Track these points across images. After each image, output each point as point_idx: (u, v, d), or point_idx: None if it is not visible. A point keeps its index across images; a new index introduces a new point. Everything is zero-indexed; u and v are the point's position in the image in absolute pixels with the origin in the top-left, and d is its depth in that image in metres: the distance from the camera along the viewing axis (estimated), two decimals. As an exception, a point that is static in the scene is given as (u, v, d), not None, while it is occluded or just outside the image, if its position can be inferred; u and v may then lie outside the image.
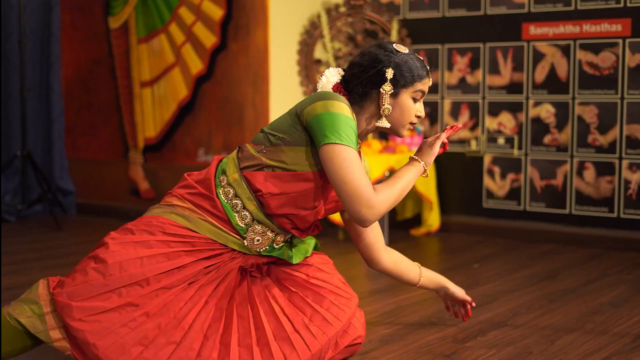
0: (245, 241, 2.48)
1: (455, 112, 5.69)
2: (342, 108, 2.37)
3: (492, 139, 5.56)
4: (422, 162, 2.52)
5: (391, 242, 5.30)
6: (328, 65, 5.71)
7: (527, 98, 5.43)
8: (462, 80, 5.66)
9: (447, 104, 5.73)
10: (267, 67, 5.47)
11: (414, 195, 5.66)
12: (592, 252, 4.97)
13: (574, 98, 5.26)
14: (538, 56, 5.36)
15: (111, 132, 6.43)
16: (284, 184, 2.40)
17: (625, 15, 5.06)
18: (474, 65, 5.60)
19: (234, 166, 2.46)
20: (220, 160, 2.55)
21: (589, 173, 5.23)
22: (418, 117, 2.57)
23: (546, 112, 5.37)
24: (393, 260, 2.85)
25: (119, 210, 6.24)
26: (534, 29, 5.37)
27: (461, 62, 5.65)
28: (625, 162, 5.10)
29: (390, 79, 2.49)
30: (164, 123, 6.07)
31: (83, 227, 5.99)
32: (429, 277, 2.99)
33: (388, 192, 2.39)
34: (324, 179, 2.44)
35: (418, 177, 2.51)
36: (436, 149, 2.57)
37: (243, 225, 2.47)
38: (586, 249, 5.07)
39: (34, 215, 6.38)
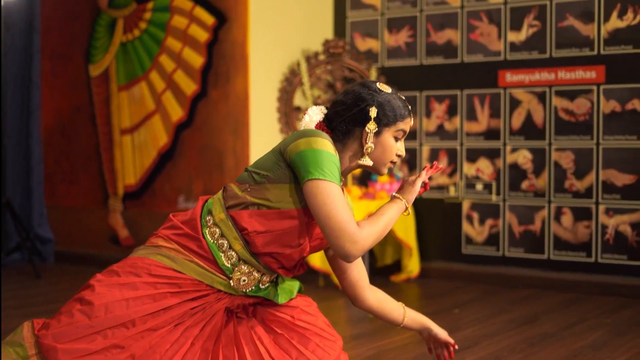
0: (231, 281, 2.48)
1: (433, 159, 5.74)
2: (325, 145, 2.40)
3: (470, 185, 5.62)
4: (404, 200, 2.55)
5: (371, 288, 5.31)
6: (308, 113, 5.75)
7: (505, 144, 5.49)
8: (440, 127, 5.72)
9: (425, 151, 5.78)
10: (247, 114, 5.52)
11: (393, 242, 5.69)
12: (570, 297, 5.01)
13: (550, 144, 5.33)
14: (514, 103, 5.45)
15: (91, 179, 6.43)
16: (269, 221, 2.41)
17: (600, 63, 5.15)
18: (451, 112, 5.68)
19: (219, 206, 2.48)
20: (206, 201, 2.57)
21: (567, 218, 5.28)
22: (399, 156, 2.60)
23: (523, 158, 5.43)
24: (377, 298, 2.86)
25: (98, 258, 6.21)
26: (510, 76, 5.46)
27: (439, 109, 5.72)
28: (602, 207, 5.16)
29: (374, 118, 2.50)
30: (144, 170, 6.08)
31: (62, 275, 5.95)
32: (413, 317, 3.00)
33: (371, 228, 2.41)
34: (308, 215, 2.46)
35: (400, 214, 2.53)
36: (417, 188, 2.59)
37: (229, 266, 2.46)
38: (565, 294, 5.10)
39: (12, 263, 6.34)
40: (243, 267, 2.48)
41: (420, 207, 5.77)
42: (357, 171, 5.73)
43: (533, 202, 5.39)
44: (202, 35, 5.71)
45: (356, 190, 5.54)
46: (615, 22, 5.11)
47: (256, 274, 2.51)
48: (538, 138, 5.37)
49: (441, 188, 5.73)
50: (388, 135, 2.52)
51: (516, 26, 5.43)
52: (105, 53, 6.27)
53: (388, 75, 5.89)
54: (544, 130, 5.35)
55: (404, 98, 2.60)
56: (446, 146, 5.71)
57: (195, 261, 2.45)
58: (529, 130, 5.40)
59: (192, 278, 2.44)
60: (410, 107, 2.58)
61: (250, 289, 2.51)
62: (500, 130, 5.50)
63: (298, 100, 5.83)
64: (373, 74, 5.84)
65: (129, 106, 6.14)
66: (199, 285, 2.44)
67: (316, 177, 2.35)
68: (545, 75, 5.33)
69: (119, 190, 6.26)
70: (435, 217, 5.76)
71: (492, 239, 5.55)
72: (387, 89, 2.56)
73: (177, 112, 5.87)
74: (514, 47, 5.44)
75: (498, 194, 5.52)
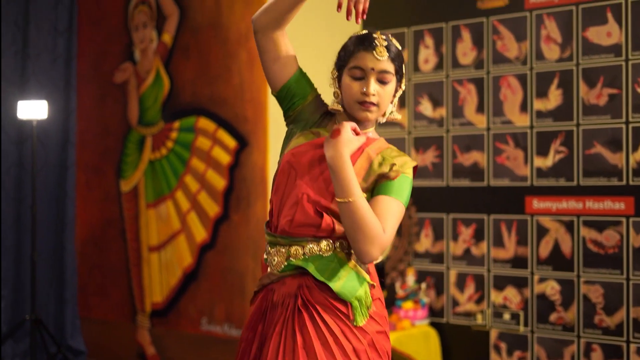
0: (268, 268, 2.47)
1: (460, 284, 5.54)
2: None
3: (497, 313, 5.39)
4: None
5: None
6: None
7: (532, 273, 5.26)
8: (467, 252, 5.53)
9: (452, 275, 5.59)
10: (267, 240, 5.43)
11: (419, 369, 5.49)
12: None
13: (579, 276, 5.08)
14: (542, 231, 5.22)
15: (121, 294, 6.43)
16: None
17: (629, 194, 4.90)
18: (478, 236, 5.48)
19: None
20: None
21: (597, 355, 5.00)
22: (365, 94, 2.41)
23: (551, 289, 5.19)
24: None
25: (126, 374, 6.19)
26: (537, 203, 5.24)
27: (466, 232, 5.53)
28: (633, 346, 4.87)
29: (335, 63, 2.50)
30: (170, 289, 6.04)
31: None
32: None
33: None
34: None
35: None
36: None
37: (266, 256, 2.49)
38: None
39: (43, 377, 6.35)
40: (271, 249, 2.45)
41: (447, 333, 5.56)
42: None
43: (562, 335, 5.13)
44: (225, 158, 5.67)
45: (377, 320, 5.36)
46: (644, 152, 4.87)
47: (282, 249, 2.42)
48: (566, 269, 5.12)
49: (468, 315, 5.51)
50: (345, 76, 2.45)
51: (543, 151, 5.22)
52: (135, 169, 6.30)
53: (414, 195, 5.74)
54: (572, 262, 5.10)
55: (374, 35, 2.44)
56: (473, 272, 5.50)
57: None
58: (557, 260, 5.16)
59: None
60: (371, 43, 2.40)
61: (282, 265, 2.42)
62: (527, 258, 5.27)
63: (322, 221, 5.71)
64: (399, 194, 5.70)
65: (156, 223, 6.14)
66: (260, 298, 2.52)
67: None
68: (572, 204, 5.10)
69: (146, 307, 6.23)
70: (462, 345, 5.53)
71: (521, 372, 5.30)
72: (359, 33, 2.48)
73: (201, 233, 5.83)
74: (540, 172, 5.23)
75: (526, 325, 5.27)
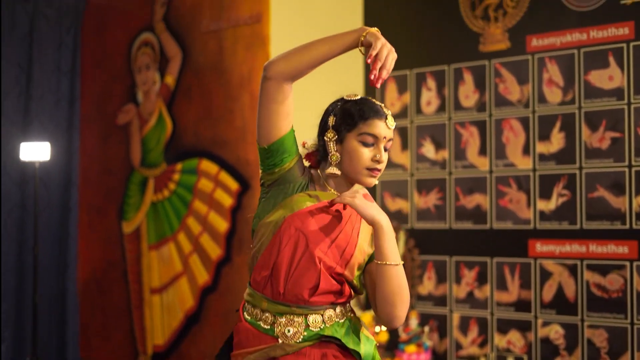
0: (279, 339, 2.36)
1: (464, 327, 5.51)
2: None
3: (501, 357, 5.35)
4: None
5: None
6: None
7: (536, 317, 5.23)
8: (470, 295, 5.50)
9: (455, 318, 5.56)
10: (269, 284, 5.41)
11: (422, 414, 5.45)
12: None
13: (582, 320, 5.05)
14: (545, 274, 5.20)
15: (122, 336, 6.39)
16: (265, 260, 2.49)
17: (632, 237, 4.88)
18: (481, 279, 5.45)
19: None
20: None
21: (602, 401, 4.96)
22: (376, 161, 2.40)
23: (555, 333, 5.16)
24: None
25: (127, 417, 6.14)
26: (540, 246, 5.22)
27: (469, 275, 5.51)
28: (638, 392, 4.84)
29: (333, 126, 2.42)
30: (172, 331, 6.01)
31: None
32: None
33: None
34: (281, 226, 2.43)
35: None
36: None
37: (269, 327, 2.38)
38: None
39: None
40: (280, 319, 2.37)
41: (451, 377, 5.53)
42: (384, 338, 5.53)
43: (566, 380, 5.10)
44: (227, 200, 5.67)
45: (380, 365, 5.33)
46: (647, 196, 4.86)
47: (297, 319, 2.36)
48: (570, 313, 5.09)
49: (472, 358, 5.47)
50: (352, 141, 2.41)
51: (545, 194, 5.21)
52: (137, 211, 6.29)
53: (417, 237, 5.72)
54: (575, 305, 5.07)
55: (378, 103, 2.45)
56: (476, 315, 5.47)
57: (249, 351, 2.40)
58: (561, 304, 5.13)
59: None
60: (382, 111, 2.42)
61: (302, 335, 2.36)
62: (531, 302, 5.25)
63: (324, 264, 5.69)
64: (402, 237, 5.69)
65: (158, 265, 6.12)
66: None
67: None
68: (576, 248, 5.08)
69: (148, 350, 6.19)
70: (466, 390, 5.50)
71: (525, 417, 5.25)
72: (354, 96, 2.46)
73: (202, 276, 5.81)
74: (543, 216, 5.22)
75: (530, 369, 5.24)
